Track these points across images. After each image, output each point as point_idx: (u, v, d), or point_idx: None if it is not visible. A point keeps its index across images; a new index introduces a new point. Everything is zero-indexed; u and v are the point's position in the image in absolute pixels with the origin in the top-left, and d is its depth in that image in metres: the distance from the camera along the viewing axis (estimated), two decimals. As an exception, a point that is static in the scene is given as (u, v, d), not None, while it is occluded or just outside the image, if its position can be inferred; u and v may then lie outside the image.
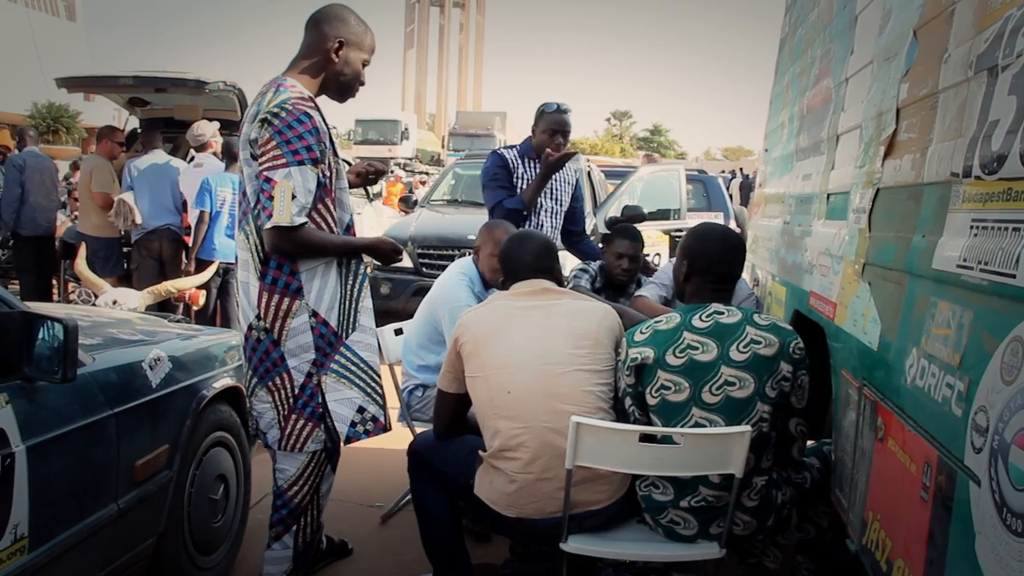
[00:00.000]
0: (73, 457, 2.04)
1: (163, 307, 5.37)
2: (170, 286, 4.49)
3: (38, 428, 1.90)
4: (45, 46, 27.25)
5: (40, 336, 1.91)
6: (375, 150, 28.39)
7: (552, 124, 3.85)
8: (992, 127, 1.48)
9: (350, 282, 2.65)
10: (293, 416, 2.60)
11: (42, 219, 6.90)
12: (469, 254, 3.54)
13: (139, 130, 7.31)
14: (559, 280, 2.64)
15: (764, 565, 2.52)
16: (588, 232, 4.77)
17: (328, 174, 2.59)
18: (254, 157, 2.48)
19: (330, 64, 2.62)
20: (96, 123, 7.56)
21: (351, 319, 2.65)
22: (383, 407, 2.71)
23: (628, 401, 2.36)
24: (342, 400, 2.63)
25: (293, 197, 2.42)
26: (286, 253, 2.52)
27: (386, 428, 2.72)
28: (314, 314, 2.57)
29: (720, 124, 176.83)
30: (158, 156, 6.32)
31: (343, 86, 2.69)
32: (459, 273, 3.36)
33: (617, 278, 3.80)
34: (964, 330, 1.51)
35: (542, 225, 3.97)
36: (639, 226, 4.16)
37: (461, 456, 2.53)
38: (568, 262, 4.34)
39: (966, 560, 1.39)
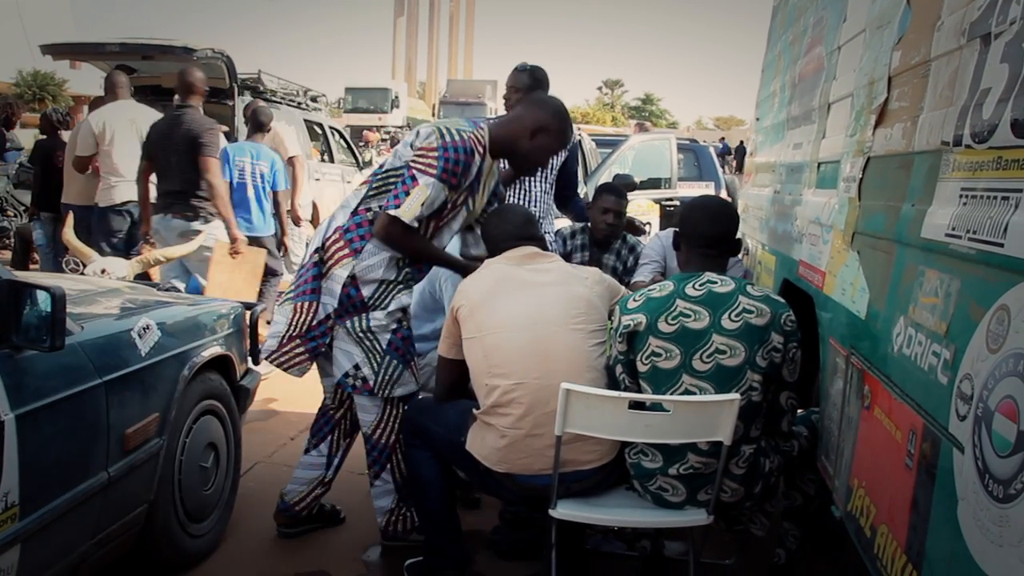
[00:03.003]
0: (63, 425, 2.04)
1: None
2: (159, 255, 4.47)
3: (27, 397, 1.89)
4: (29, 12, 26.81)
5: (27, 304, 1.90)
6: (365, 118, 28.15)
7: (508, 81, 3.88)
8: (984, 95, 1.48)
9: (399, 278, 2.78)
10: (296, 340, 2.79)
11: None
12: None
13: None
14: (543, 246, 2.73)
15: (751, 532, 2.55)
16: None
17: (449, 207, 2.75)
18: (411, 146, 2.70)
19: (522, 142, 2.80)
20: (82, 92, 7.48)
21: (383, 301, 2.76)
22: (376, 374, 2.77)
23: (619, 369, 2.38)
24: (345, 351, 2.78)
25: (423, 204, 2.62)
26: (385, 240, 2.70)
27: (372, 391, 2.79)
28: (353, 277, 2.71)
29: (712, 93, 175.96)
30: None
31: (525, 164, 2.91)
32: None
33: (601, 233, 3.89)
34: (951, 299, 1.52)
35: (531, 191, 3.98)
36: (630, 195, 4.20)
37: (455, 415, 2.58)
38: (557, 226, 4.36)
39: (948, 526, 1.41)
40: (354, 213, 2.75)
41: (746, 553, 2.94)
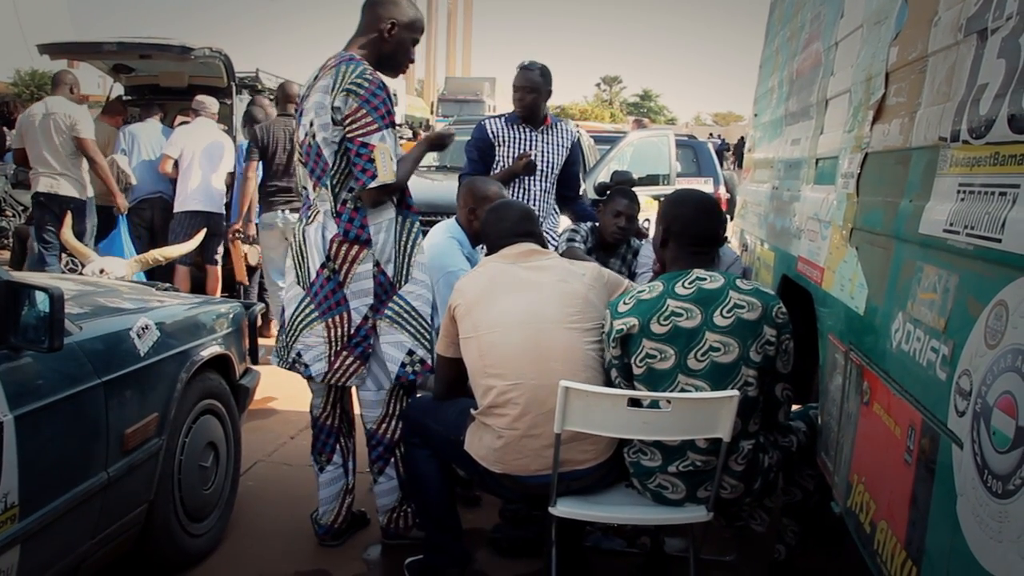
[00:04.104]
0: (62, 426, 2.04)
1: (165, 277, 5.36)
2: (158, 254, 4.47)
3: (26, 397, 1.89)
4: (27, 12, 26.75)
5: (26, 305, 1.90)
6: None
7: (515, 81, 3.95)
8: (980, 91, 1.48)
9: (404, 239, 2.83)
10: (344, 352, 2.81)
11: None
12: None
13: (124, 97, 7.23)
14: (542, 243, 2.72)
15: (751, 528, 2.55)
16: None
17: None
18: (335, 122, 2.67)
19: (384, 43, 2.81)
20: (80, 92, 7.40)
21: (404, 271, 2.83)
22: (431, 351, 2.84)
23: (614, 373, 2.38)
24: (394, 343, 2.82)
25: (392, 157, 2.66)
26: (382, 203, 2.75)
27: (432, 370, 2.85)
28: (376, 264, 2.77)
29: (710, 90, 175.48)
30: (154, 124, 6.45)
31: (395, 63, 2.88)
32: (447, 237, 3.35)
33: (612, 236, 3.84)
34: (949, 295, 1.52)
35: (530, 189, 3.97)
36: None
37: (453, 414, 2.58)
38: (563, 223, 4.35)
39: (947, 521, 1.41)
40: (337, 216, 2.74)
41: (746, 549, 2.95)
